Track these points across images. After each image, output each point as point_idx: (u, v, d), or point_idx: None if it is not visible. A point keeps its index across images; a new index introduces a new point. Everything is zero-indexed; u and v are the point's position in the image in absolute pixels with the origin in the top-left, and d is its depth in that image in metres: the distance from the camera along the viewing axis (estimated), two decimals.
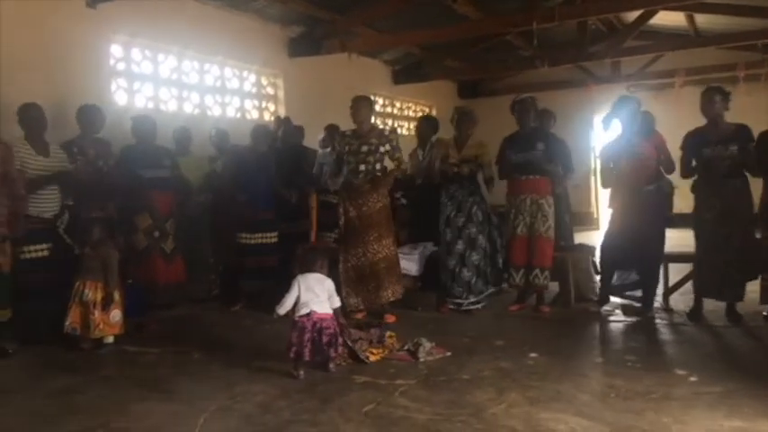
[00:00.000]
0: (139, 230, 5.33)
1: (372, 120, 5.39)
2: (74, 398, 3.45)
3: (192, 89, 7.24)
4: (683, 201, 5.10)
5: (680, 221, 5.06)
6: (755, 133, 4.58)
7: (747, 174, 4.61)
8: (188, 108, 7.20)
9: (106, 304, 4.36)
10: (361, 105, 5.06)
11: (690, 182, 4.89)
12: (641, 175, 4.87)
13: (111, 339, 4.43)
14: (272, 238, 5.69)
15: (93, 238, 4.50)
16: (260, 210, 5.60)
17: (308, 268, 3.81)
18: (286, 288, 3.75)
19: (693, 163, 4.78)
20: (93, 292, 4.35)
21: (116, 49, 6.30)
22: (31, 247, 4.48)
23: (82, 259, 4.46)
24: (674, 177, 5.03)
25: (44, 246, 4.53)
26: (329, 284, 3.80)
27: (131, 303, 4.74)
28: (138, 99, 6.56)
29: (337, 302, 3.81)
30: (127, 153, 5.35)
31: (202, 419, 3.09)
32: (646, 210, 4.83)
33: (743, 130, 4.60)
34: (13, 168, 4.21)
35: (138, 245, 5.30)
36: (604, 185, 5.29)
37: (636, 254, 4.90)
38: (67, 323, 4.30)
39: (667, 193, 5.03)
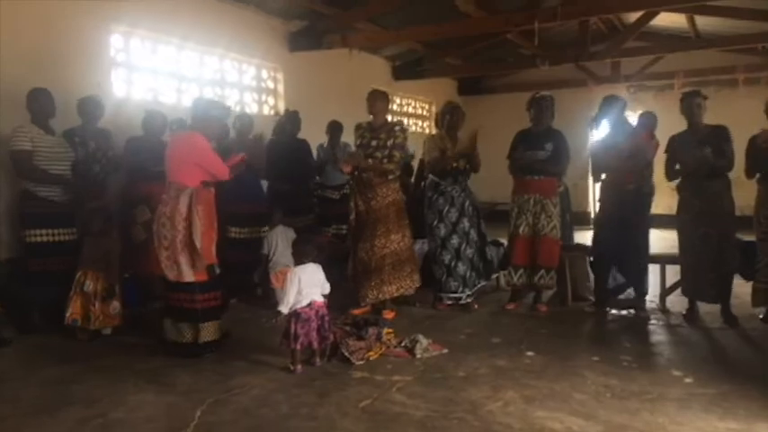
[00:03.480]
0: (138, 223, 5.31)
1: (388, 116, 5.35)
2: (70, 388, 3.45)
3: (191, 81, 7.22)
4: (668, 201, 5.14)
5: (659, 222, 5.11)
6: (746, 137, 4.65)
7: (728, 175, 4.66)
8: (187, 100, 7.17)
9: (107, 296, 4.36)
10: (377, 99, 5.07)
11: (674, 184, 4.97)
12: (625, 174, 4.92)
13: (108, 331, 4.44)
14: (263, 232, 5.66)
15: (95, 228, 4.50)
16: (245, 203, 5.56)
17: (305, 259, 3.82)
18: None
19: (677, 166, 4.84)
20: (94, 283, 4.36)
21: (116, 40, 6.27)
22: (41, 231, 4.49)
23: (83, 249, 4.45)
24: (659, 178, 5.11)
25: (52, 231, 4.54)
26: (321, 272, 3.86)
27: (129, 295, 4.74)
28: (137, 90, 6.54)
29: (328, 288, 3.87)
30: (132, 144, 5.34)
31: (199, 411, 3.10)
32: (627, 208, 4.90)
33: (719, 131, 4.67)
34: None
35: (136, 237, 5.29)
36: (597, 180, 5.35)
37: (622, 253, 4.95)
38: (68, 314, 4.31)
39: (645, 193, 5.07)
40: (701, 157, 4.56)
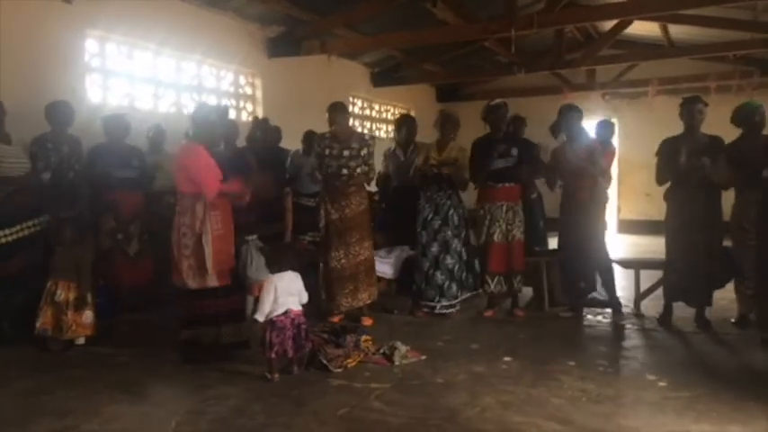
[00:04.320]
0: (102, 231, 5.22)
1: (351, 122, 5.39)
2: (42, 399, 3.39)
3: (168, 87, 7.16)
4: (644, 207, 5.23)
5: (630, 228, 5.20)
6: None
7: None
8: (163, 106, 7.11)
9: (79, 305, 4.29)
10: (338, 111, 5.06)
11: (663, 188, 5.00)
12: (582, 182, 5.05)
13: (82, 341, 4.37)
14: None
15: (66, 237, 4.42)
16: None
17: (282, 267, 3.80)
18: None
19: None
20: (65, 293, 4.29)
21: (91, 45, 6.20)
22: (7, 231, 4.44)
23: (54, 259, 4.38)
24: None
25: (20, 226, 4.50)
26: (300, 280, 3.84)
27: (102, 304, 4.66)
28: (112, 96, 6.46)
29: (306, 297, 3.85)
30: (95, 152, 5.25)
31: (174, 423, 3.06)
32: (586, 215, 5.04)
33: (716, 141, 4.70)
34: None
35: (102, 246, 5.19)
36: (551, 188, 5.45)
37: (586, 259, 5.08)
38: (39, 324, 4.23)
39: (600, 201, 5.17)
40: (699, 165, 4.57)
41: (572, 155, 5.09)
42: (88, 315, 4.35)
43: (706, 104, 4.77)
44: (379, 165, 5.88)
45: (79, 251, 4.41)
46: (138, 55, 6.74)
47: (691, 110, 4.72)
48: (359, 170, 5.01)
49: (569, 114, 5.21)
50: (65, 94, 5.21)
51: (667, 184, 4.91)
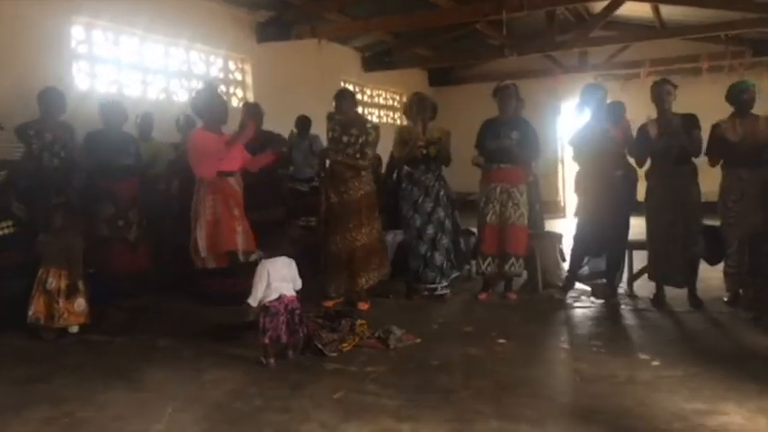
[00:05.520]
0: (101, 219, 5.20)
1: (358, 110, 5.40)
2: (36, 387, 3.38)
3: (156, 73, 7.09)
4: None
5: (641, 209, 5.19)
6: (709, 124, 4.76)
7: (695, 161, 4.75)
8: (152, 93, 7.04)
9: (70, 293, 4.27)
10: (344, 98, 5.11)
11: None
12: (610, 161, 5.00)
13: (75, 328, 4.35)
14: None
15: (56, 225, 4.39)
16: None
17: (276, 252, 3.79)
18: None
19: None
20: (56, 281, 4.26)
21: (77, 31, 6.11)
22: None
23: (44, 247, 4.35)
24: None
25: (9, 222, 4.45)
26: (294, 266, 3.82)
27: (95, 292, 4.64)
28: (100, 83, 6.39)
29: (299, 284, 3.83)
30: (92, 138, 5.22)
31: (170, 408, 3.05)
32: (613, 195, 4.97)
33: (690, 118, 4.75)
34: None
35: (99, 234, 5.18)
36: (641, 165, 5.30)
37: (604, 238, 5.02)
38: (31, 313, 4.21)
39: (633, 179, 5.14)
40: (676, 144, 4.62)
41: (598, 132, 5.03)
42: (80, 303, 4.33)
43: (675, 86, 4.83)
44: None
45: (69, 238, 4.37)
46: (125, 41, 6.66)
47: (660, 92, 4.79)
48: (358, 156, 4.99)
49: (597, 92, 5.17)
50: (52, 82, 5.15)
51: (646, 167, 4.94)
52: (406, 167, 5.36)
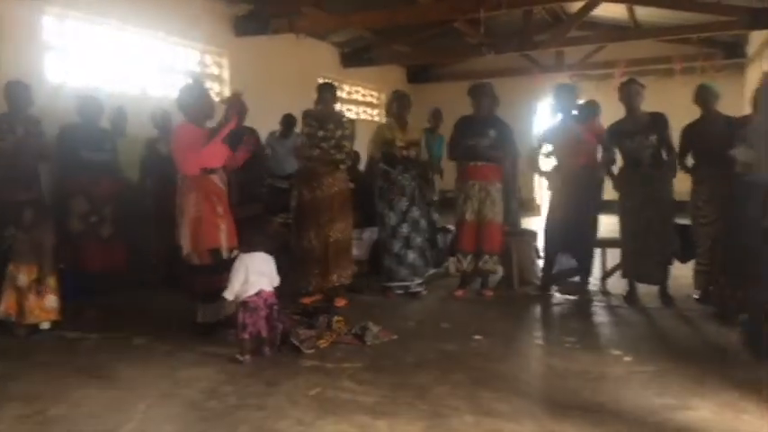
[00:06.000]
0: (74, 215, 5.11)
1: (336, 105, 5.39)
2: (7, 384, 3.32)
3: (131, 66, 6.98)
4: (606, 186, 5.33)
5: (608, 208, 5.29)
6: (681, 125, 4.86)
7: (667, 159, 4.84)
8: (126, 87, 6.94)
9: (40, 289, 4.20)
10: (325, 90, 5.14)
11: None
12: (578, 159, 5.08)
13: (47, 325, 4.28)
14: None
15: (25, 220, 4.31)
16: None
17: (254, 248, 3.78)
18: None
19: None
20: (27, 276, 4.18)
21: (48, 22, 5.99)
22: None
23: (14, 243, 4.27)
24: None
25: None
26: (272, 263, 3.82)
27: (69, 288, 4.57)
28: (73, 76, 6.27)
29: (277, 281, 3.83)
30: (67, 132, 5.12)
31: (144, 405, 3.03)
32: (580, 192, 5.05)
33: (659, 118, 4.84)
34: None
35: (72, 229, 5.08)
36: (533, 167, 5.50)
37: (573, 235, 5.09)
38: (2, 309, 4.13)
39: (600, 178, 5.23)
40: (648, 144, 4.72)
41: (567, 130, 5.13)
42: (51, 299, 4.26)
43: (642, 86, 4.91)
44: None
45: (39, 234, 4.29)
46: (99, 33, 6.54)
47: (629, 92, 4.87)
48: (333, 152, 4.98)
49: (567, 91, 5.29)
50: (22, 75, 5.03)
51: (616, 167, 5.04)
52: (382, 166, 5.36)
